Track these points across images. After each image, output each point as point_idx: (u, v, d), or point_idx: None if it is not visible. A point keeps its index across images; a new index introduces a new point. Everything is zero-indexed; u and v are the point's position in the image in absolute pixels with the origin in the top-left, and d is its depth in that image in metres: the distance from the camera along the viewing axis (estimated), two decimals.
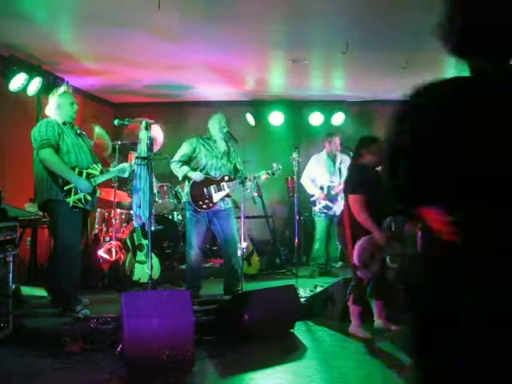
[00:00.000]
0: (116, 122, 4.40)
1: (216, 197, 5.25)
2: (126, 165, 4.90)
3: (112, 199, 5.98)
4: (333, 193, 6.65)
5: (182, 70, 6.44)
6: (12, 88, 5.50)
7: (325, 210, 6.71)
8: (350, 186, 4.22)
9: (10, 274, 3.87)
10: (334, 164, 6.84)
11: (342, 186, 6.72)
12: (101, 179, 4.73)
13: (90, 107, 7.52)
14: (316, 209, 6.81)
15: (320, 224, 6.82)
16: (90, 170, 4.64)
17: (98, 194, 4.78)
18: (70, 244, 4.50)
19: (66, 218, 4.48)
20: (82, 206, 4.54)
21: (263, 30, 5.06)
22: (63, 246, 4.50)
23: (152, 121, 4.25)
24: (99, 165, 4.79)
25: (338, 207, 6.62)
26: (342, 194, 6.95)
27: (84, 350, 3.67)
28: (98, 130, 5.36)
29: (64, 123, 4.62)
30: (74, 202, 4.49)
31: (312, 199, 6.83)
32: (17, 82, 5.50)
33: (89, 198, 4.60)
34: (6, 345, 3.70)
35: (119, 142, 5.92)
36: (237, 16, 4.65)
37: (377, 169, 4.17)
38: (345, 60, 5.85)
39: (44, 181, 4.50)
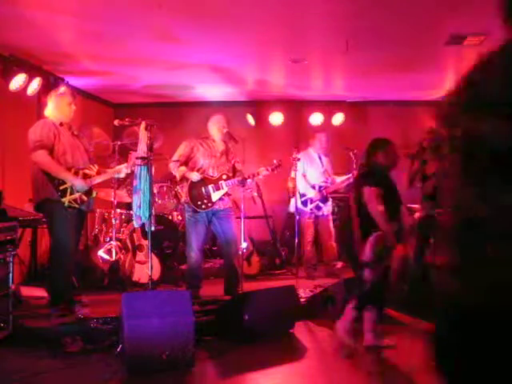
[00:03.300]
0: (116, 122, 4.40)
1: (215, 196, 5.23)
2: (121, 166, 4.88)
3: (112, 199, 5.97)
4: (324, 193, 6.60)
5: (182, 70, 6.44)
6: (12, 88, 5.49)
7: (315, 211, 6.64)
8: (367, 180, 3.97)
9: (10, 274, 3.87)
10: (322, 162, 6.79)
11: (334, 187, 6.74)
12: (97, 180, 4.71)
13: (90, 107, 7.52)
14: (307, 209, 6.64)
15: (309, 226, 6.73)
16: (86, 171, 4.63)
17: (93, 195, 4.76)
18: (64, 244, 4.48)
19: (61, 218, 4.45)
20: (77, 206, 4.51)
21: (263, 30, 5.06)
22: (58, 245, 4.49)
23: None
24: (96, 166, 4.78)
25: (327, 208, 6.67)
26: (333, 195, 7.00)
27: (84, 350, 3.68)
28: (96, 129, 5.36)
29: (61, 124, 4.61)
30: (70, 201, 4.46)
31: (303, 199, 6.64)
32: (17, 81, 5.49)
33: (85, 198, 4.58)
34: (6, 345, 3.70)
35: (119, 142, 5.92)
36: (237, 16, 4.65)
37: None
38: (345, 60, 5.86)
39: (40, 180, 4.48)
